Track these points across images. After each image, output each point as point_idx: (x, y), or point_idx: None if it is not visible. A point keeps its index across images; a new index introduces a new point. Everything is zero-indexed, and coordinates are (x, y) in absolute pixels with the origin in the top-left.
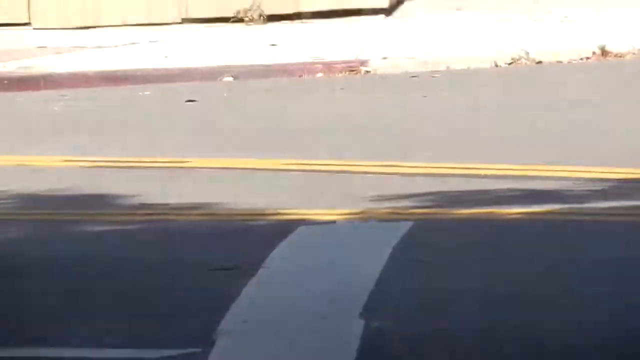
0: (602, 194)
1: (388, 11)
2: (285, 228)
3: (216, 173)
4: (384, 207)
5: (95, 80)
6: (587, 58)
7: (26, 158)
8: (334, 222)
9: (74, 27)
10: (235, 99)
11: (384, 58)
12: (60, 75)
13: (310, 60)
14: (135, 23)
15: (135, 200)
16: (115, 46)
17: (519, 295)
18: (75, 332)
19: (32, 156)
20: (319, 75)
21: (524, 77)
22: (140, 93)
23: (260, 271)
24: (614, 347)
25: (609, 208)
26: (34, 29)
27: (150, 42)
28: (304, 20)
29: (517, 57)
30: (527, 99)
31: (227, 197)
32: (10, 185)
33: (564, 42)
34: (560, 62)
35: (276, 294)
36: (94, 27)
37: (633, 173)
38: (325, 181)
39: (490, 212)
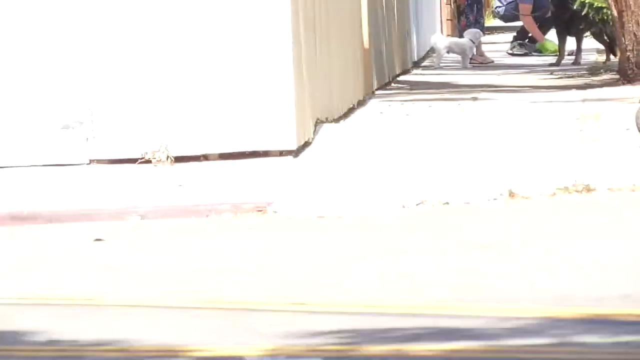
0: (515, 332)
1: (295, 153)
2: None
3: (125, 310)
4: (293, 344)
5: (1, 220)
6: (495, 199)
7: None
8: (243, 359)
9: None
10: (143, 239)
11: (291, 199)
12: None
13: (217, 201)
14: (42, 164)
15: (45, 337)
16: (22, 186)
17: None
18: None
19: None
20: (227, 215)
21: (432, 218)
22: (47, 232)
23: None
24: None
25: (523, 346)
26: None
27: (58, 182)
28: (211, 162)
29: (425, 198)
30: (435, 239)
31: (136, 335)
32: None
33: (471, 183)
34: (468, 203)
35: None
36: (1, 167)
37: (542, 311)
38: (233, 319)
39: (401, 349)
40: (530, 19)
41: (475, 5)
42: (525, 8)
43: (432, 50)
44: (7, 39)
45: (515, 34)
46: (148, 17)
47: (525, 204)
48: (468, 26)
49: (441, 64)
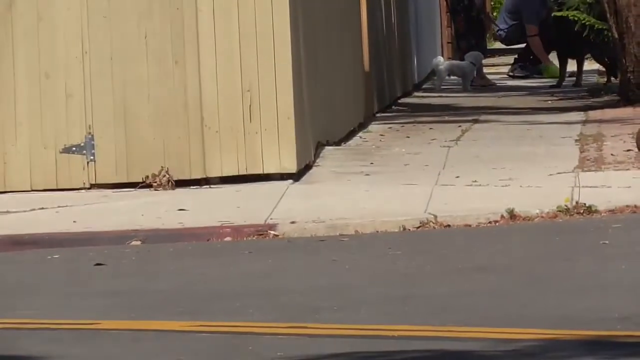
0: (514, 354)
1: (296, 176)
2: None
3: (126, 335)
4: None
5: (2, 245)
6: (496, 221)
7: None
8: None
9: None
10: (144, 263)
11: (293, 222)
12: None
13: (218, 224)
14: (43, 188)
15: None
16: (24, 211)
17: None
18: None
19: None
20: (228, 239)
21: (433, 240)
22: (48, 257)
23: None
24: None
25: None
26: None
27: (58, 206)
28: (212, 186)
29: (426, 220)
30: (436, 261)
31: (137, 359)
32: None
33: (472, 206)
34: (469, 225)
35: None
36: (1, 192)
37: (542, 333)
38: (233, 342)
39: None
40: (537, 40)
41: (476, 28)
42: (533, 29)
43: (433, 72)
44: (8, 63)
45: (516, 56)
46: (148, 40)
47: (526, 225)
48: (469, 49)
49: (442, 87)
